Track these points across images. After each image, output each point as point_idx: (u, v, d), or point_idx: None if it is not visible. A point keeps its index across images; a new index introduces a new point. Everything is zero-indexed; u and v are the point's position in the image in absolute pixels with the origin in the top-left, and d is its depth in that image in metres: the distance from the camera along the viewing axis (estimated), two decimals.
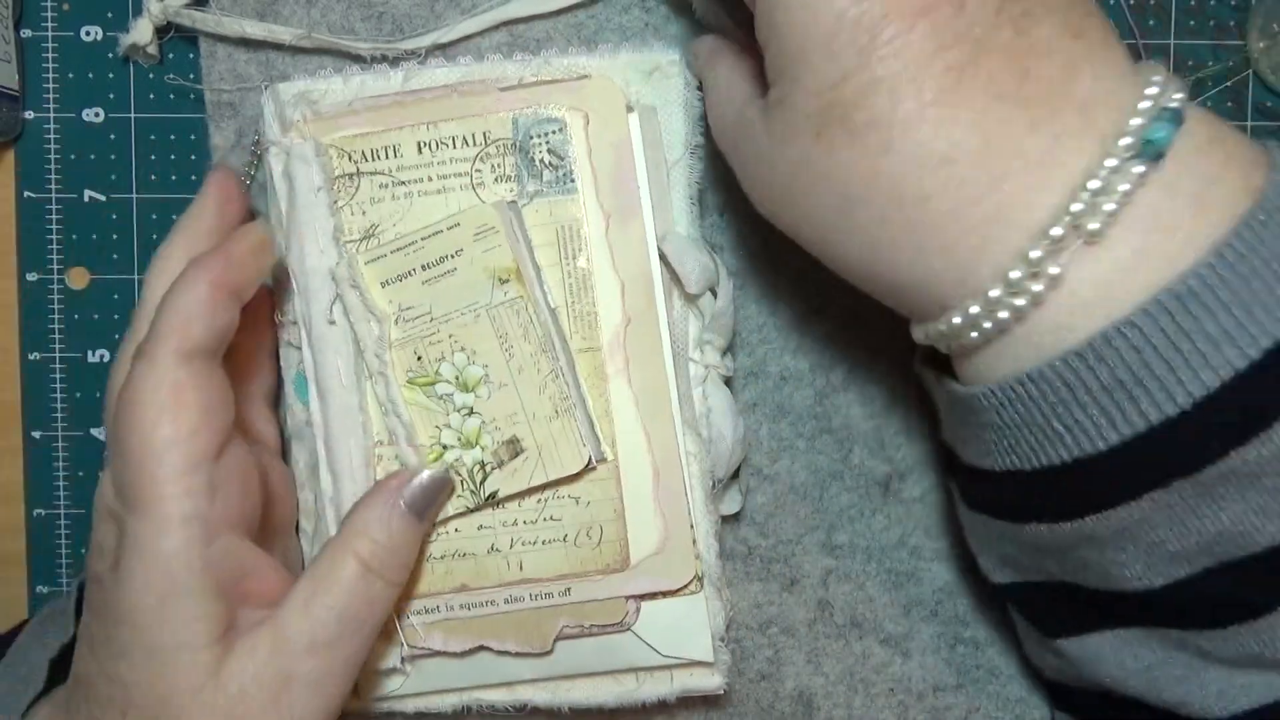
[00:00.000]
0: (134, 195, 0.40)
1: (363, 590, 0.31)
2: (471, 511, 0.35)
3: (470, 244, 0.35)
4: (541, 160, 0.35)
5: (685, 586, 0.36)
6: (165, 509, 0.29)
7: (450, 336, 0.35)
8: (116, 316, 0.40)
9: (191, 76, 0.39)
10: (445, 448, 0.35)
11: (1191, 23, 0.39)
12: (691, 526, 0.36)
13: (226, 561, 0.30)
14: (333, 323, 0.35)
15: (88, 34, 0.39)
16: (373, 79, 0.36)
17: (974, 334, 0.27)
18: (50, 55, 0.39)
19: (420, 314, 0.35)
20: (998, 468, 0.29)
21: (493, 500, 0.35)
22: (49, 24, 0.39)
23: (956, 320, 0.27)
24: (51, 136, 0.40)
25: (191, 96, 0.39)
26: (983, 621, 0.40)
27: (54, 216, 0.40)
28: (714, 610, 0.36)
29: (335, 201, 0.35)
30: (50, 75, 0.39)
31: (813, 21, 0.26)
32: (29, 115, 0.40)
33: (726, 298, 0.36)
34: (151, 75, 0.39)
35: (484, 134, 0.35)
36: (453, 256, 0.35)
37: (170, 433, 0.29)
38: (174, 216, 0.39)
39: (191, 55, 0.39)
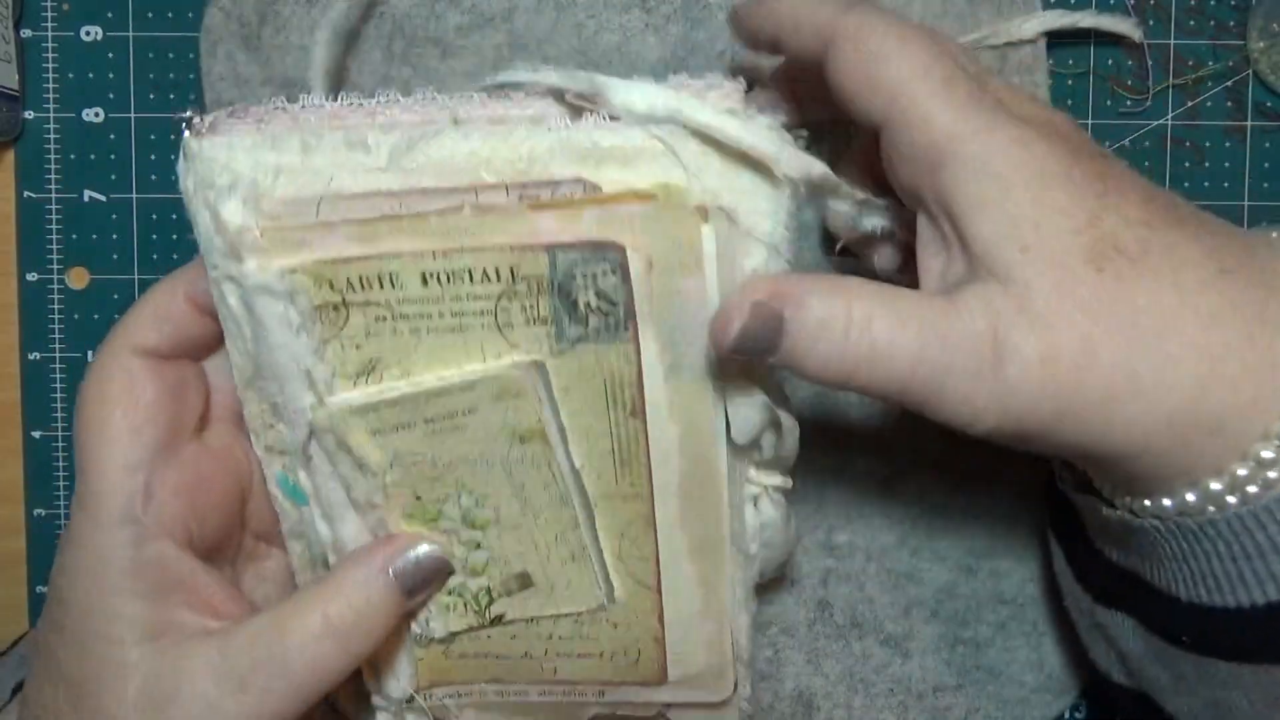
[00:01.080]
0: (134, 195, 0.40)
1: (317, 653, 0.29)
2: (479, 629, 0.33)
3: (487, 405, 0.29)
4: (587, 305, 0.28)
5: (723, 701, 0.34)
6: (101, 504, 0.29)
7: (457, 481, 0.30)
8: (116, 316, 0.39)
9: (192, 76, 0.39)
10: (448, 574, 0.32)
11: (1191, 23, 0.39)
12: (735, 643, 0.33)
13: (161, 568, 0.29)
14: (310, 458, 0.30)
15: (88, 34, 0.39)
16: (350, 151, 0.27)
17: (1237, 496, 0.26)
18: (50, 55, 0.39)
19: (419, 460, 0.30)
20: (1196, 600, 0.28)
21: (499, 622, 0.33)
22: (49, 24, 0.39)
23: (1216, 486, 0.26)
24: (51, 136, 0.40)
25: (192, 96, 0.39)
26: (983, 622, 0.40)
27: (54, 216, 0.40)
28: (741, 704, 0.35)
29: (321, 340, 0.28)
30: (50, 75, 0.39)
31: (1041, 178, 0.26)
32: (29, 115, 0.40)
33: (793, 438, 0.32)
34: (152, 75, 0.39)
35: (511, 269, 0.27)
36: (464, 414, 0.29)
37: (114, 427, 0.29)
38: (174, 216, 0.40)
39: (191, 55, 0.39)
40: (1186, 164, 0.40)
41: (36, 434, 0.40)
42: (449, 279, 0.27)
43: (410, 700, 0.34)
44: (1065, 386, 0.26)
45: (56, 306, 0.40)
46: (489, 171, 0.27)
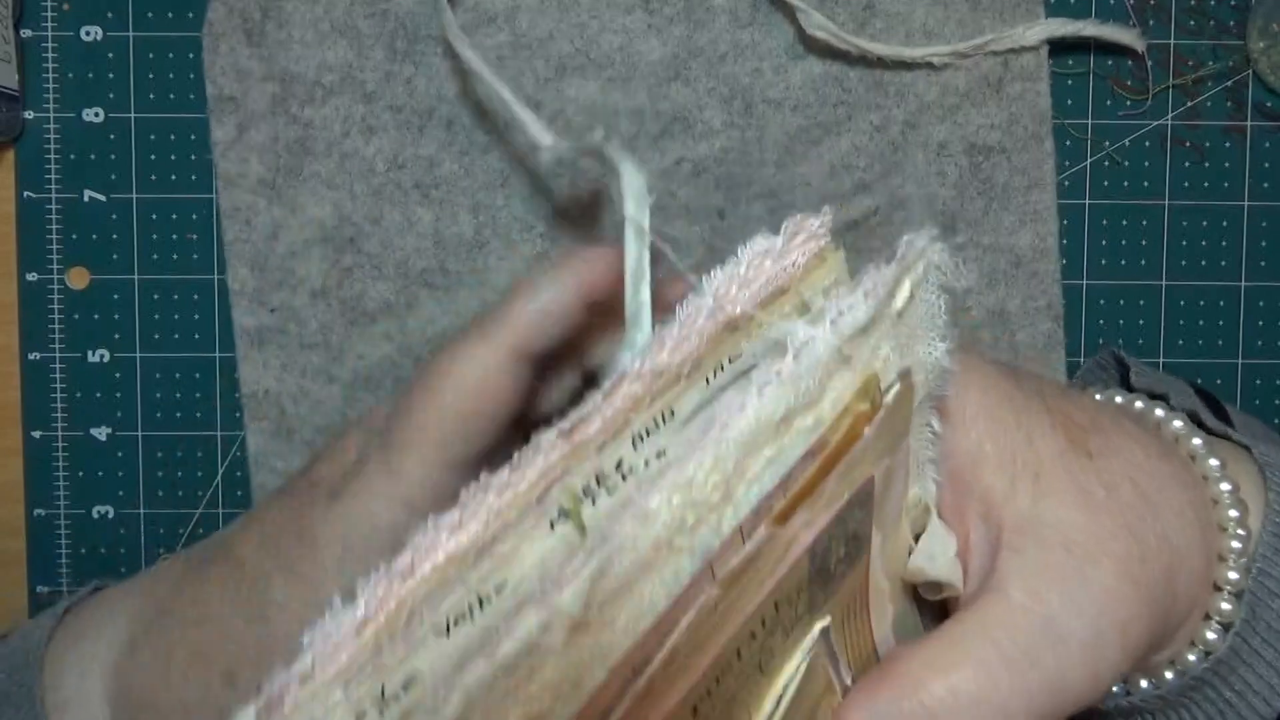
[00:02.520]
0: (134, 195, 0.40)
1: None
2: None
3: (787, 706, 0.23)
4: (838, 561, 0.23)
5: None
6: (408, 473, 0.28)
7: None
8: (116, 316, 0.40)
9: (192, 76, 0.39)
10: None
11: (1191, 23, 0.39)
12: None
13: None
14: None
15: (88, 34, 0.39)
16: (527, 664, 0.16)
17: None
18: (50, 55, 0.39)
19: None
20: None
21: None
22: (49, 24, 0.39)
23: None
24: (51, 136, 0.39)
25: (192, 96, 0.39)
26: None
27: (54, 216, 0.40)
28: None
29: None
30: (50, 75, 0.39)
31: (1008, 397, 0.27)
32: (29, 115, 0.39)
33: None
34: (152, 75, 0.39)
35: (775, 605, 0.21)
36: None
37: (466, 423, 0.28)
38: (174, 216, 0.39)
39: (191, 55, 0.39)
40: (1186, 164, 0.40)
41: (36, 434, 0.40)
42: (717, 682, 0.20)
43: None
44: (1148, 588, 0.25)
45: (56, 306, 0.40)
46: (686, 554, 0.19)
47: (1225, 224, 0.40)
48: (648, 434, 0.20)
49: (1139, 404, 0.30)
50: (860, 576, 0.24)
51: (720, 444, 0.19)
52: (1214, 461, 0.28)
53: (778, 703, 0.22)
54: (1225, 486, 0.27)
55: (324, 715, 0.15)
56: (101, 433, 0.40)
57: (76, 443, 0.40)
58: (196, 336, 0.40)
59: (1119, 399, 0.31)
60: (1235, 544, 0.27)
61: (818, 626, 0.23)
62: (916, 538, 0.27)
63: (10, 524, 0.40)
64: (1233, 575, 0.27)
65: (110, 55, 0.39)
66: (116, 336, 0.40)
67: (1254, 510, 0.27)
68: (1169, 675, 0.27)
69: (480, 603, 0.17)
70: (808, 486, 0.21)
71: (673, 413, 0.20)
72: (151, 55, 0.39)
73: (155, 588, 0.31)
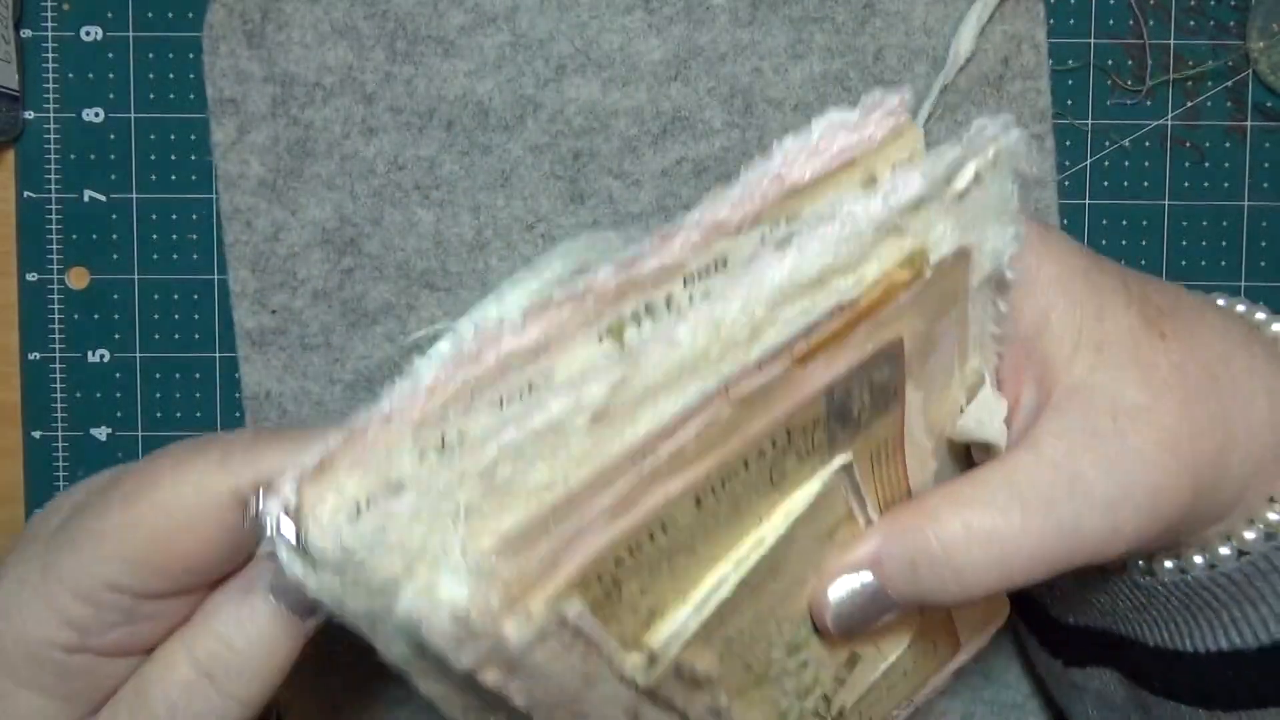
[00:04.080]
0: (134, 195, 0.40)
1: (190, 700, 0.24)
2: None
3: (801, 533, 0.25)
4: (861, 408, 0.25)
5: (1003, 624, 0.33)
6: (60, 596, 0.24)
7: (775, 622, 0.27)
8: (116, 316, 0.40)
9: (192, 76, 0.39)
10: (784, 714, 0.28)
11: (1191, 23, 0.39)
12: None
13: (92, 675, 0.25)
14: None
15: (88, 34, 0.39)
16: (549, 443, 0.20)
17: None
18: (50, 55, 0.39)
19: (743, 628, 0.26)
20: (1214, 648, 0.28)
21: (841, 715, 0.30)
22: (49, 24, 0.39)
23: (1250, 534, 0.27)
24: (51, 136, 0.39)
25: (192, 96, 0.39)
26: None
27: (54, 216, 0.40)
28: None
29: (599, 636, 0.22)
30: (50, 75, 0.39)
31: (1084, 272, 0.27)
32: (29, 115, 0.39)
33: None
34: (152, 75, 0.39)
35: (787, 432, 0.23)
36: (778, 567, 0.26)
37: (153, 553, 0.24)
38: (174, 216, 0.39)
39: (191, 55, 0.39)
40: (1186, 164, 0.40)
41: (36, 434, 0.40)
42: (723, 484, 0.23)
43: None
44: (1191, 461, 0.25)
45: (56, 306, 0.40)
46: (721, 363, 0.21)
47: (1225, 224, 0.40)
48: (699, 277, 0.22)
49: (1241, 306, 0.30)
50: (893, 427, 0.26)
51: (753, 290, 0.21)
52: None
53: (788, 516, 0.25)
54: None
55: (397, 446, 0.20)
56: (101, 433, 0.40)
57: (76, 443, 0.40)
58: (196, 337, 0.40)
59: (1221, 301, 0.30)
60: None
61: (838, 461, 0.25)
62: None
63: (10, 524, 0.40)
64: None
65: (110, 55, 0.39)
66: (116, 336, 0.40)
67: None
68: (1224, 551, 0.27)
69: (530, 388, 0.20)
70: (831, 337, 0.22)
71: (725, 262, 0.22)
72: (151, 55, 0.39)
73: None
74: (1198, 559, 0.27)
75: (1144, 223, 0.40)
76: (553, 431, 0.20)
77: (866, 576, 0.26)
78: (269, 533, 0.19)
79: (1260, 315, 0.30)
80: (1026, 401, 0.27)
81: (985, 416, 0.27)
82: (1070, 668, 0.33)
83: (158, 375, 0.40)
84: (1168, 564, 0.28)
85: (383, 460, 0.20)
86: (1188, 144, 0.40)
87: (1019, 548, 0.25)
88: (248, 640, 0.25)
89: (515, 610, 0.20)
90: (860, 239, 0.22)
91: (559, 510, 0.20)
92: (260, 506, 0.21)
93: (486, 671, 0.20)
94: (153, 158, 0.40)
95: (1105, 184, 0.40)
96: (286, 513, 0.19)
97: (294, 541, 0.19)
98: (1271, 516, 0.27)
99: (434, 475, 0.19)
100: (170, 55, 0.39)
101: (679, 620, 0.23)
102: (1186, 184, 0.40)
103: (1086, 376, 0.26)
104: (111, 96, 0.39)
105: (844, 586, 0.26)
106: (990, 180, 0.24)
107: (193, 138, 0.39)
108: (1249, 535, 0.27)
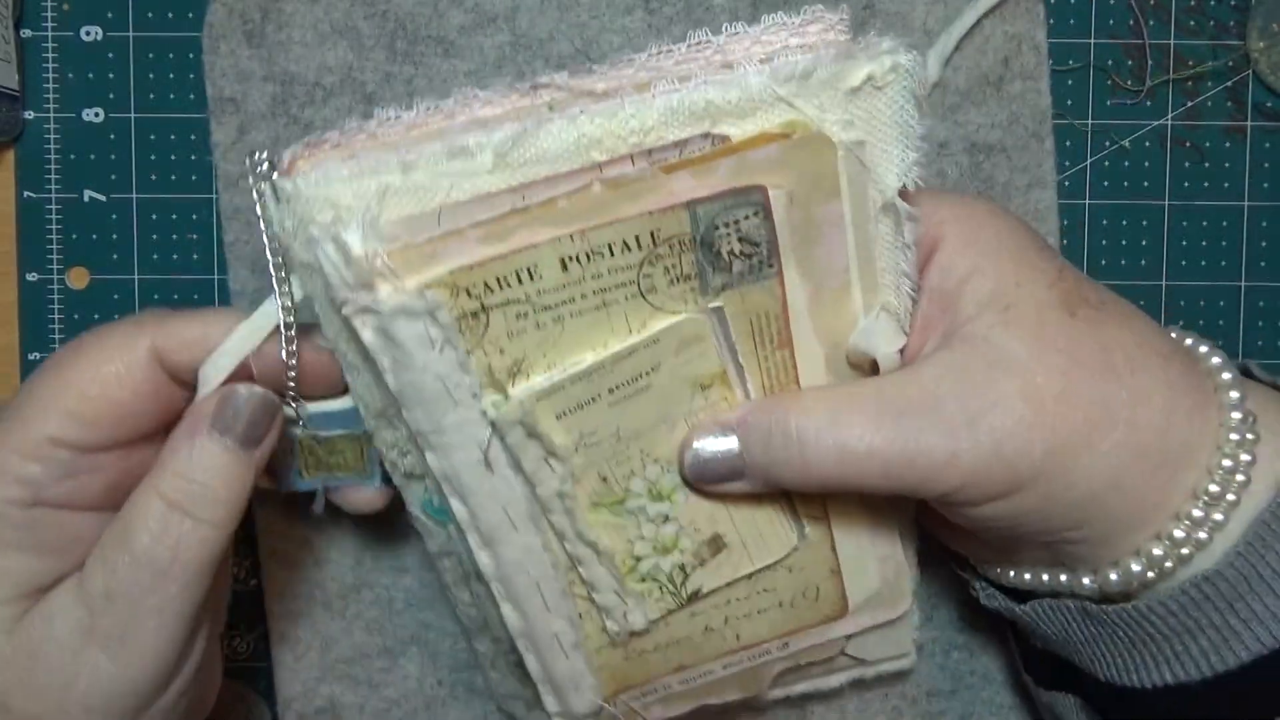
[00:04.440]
0: (134, 195, 0.40)
1: (168, 533, 0.28)
2: (675, 611, 0.32)
3: (670, 357, 0.29)
4: (730, 252, 0.28)
5: (901, 615, 0.34)
6: (8, 459, 0.28)
7: (641, 451, 0.30)
8: (116, 316, 0.40)
9: (192, 76, 0.39)
10: (639, 559, 0.31)
11: (1191, 23, 0.39)
12: (906, 558, 0.34)
13: (57, 527, 0.28)
14: (488, 466, 0.29)
15: (88, 34, 0.39)
16: (450, 159, 0.27)
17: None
18: (50, 55, 0.39)
19: (605, 436, 0.30)
20: (1159, 683, 0.29)
21: (696, 597, 0.32)
22: (49, 24, 0.39)
23: (1157, 550, 0.28)
24: (51, 136, 0.39)
25: (192, 96, 0.39)
26: (977, 628, 0.40)
27: (54, 216, 0.40)
28: (913, 612, 0.35)
29: (464, 350, 0.27)
30: (50, 75, 0.39)
31: (1018, 241, 0.29)
32: (29, 115, 0.39)
33: None
34: (152, 75, 0.39)
35: (651, 234, 0.27)
36: (648, 374, 0.29)
37: (88, 402, 0.28)
38: (174, 216, 0.40)
39: (191, 55, 0.39)
40: (1186, 164, 0.40)
41: None
42: (588, 258, 0.27)
43: (599, 712, 0.33)
44: (1051, 420, 0.27)
45: (56, 306, 0.40)
46: (600, 151, 0.27)
47: (1225, 224, 0.40)
48: (626, 99, 0.27)
49: (1189, 341, 0.31)
50: (774, 303, 0.29)
51: (647, 105, 0.27)
52: (1235, 394, 0.28)
53: (650, 331, 0.29)
54: (1236, 415, 0.28)
55: (367, 148, 0.27)
56: None
57: None
58: None
59: (1173, 334, 0.31)
60: (1227, 462, 0.27)
61: (710, 304, 0.29)
62: None
63: None
64: (1213, 488, 0.27)
65: (110, 55, 0.39)
66: None
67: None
68: (1135, 566, 0.28)
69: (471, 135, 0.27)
70: (697, 159, 0.27)
71: (654, 96, 0.27)
72: (151, 55, 0.39)
73: None
74: (1112, 575, 0.28)
75: (1144, 223, 0.40)
76: (464, 156, 0.26)
77: (732, 441, 0.29)
78: (259, 185, 0.27)
79: (1196, 346, 0.30)
80: (929, 348, 0.29)
81: (878, 336, 0.29)
82: (1039, 688, 0.34)
83: None
84: (1085, 580, 0.29)
85: (360, 154, 0.26)
86: (1188, 144, 0.40)
87: (861, 443, 0.28)
88: (205, 472, 0.28)
89: (391, 279, 0.26)
90: (747, 92, 0.27)
91: (445, 211, 0.26)
92: (260, 165, 0.27)
93: (365, 325, 0.26)
94: (153, 158, 0.40)
95: (1105, 184, 0.40)
96: (275, 168, 0.27)
97: (274, 191, 0.27)
98: (1177, 534, 0.27)
99: (374, 158, 0.26)
100: (170, 55, 0.39)
101: (539, 380, 0.28)
102: (1186, 184, 0.40)
103: (985, 331, 0.28)
104: (111, 96, 0.39)
105: (709, 439, 0.30)
106: (888, 90, 0.28)
107: (193, 138, 0.39)
108: (1156, 551, 0.28)
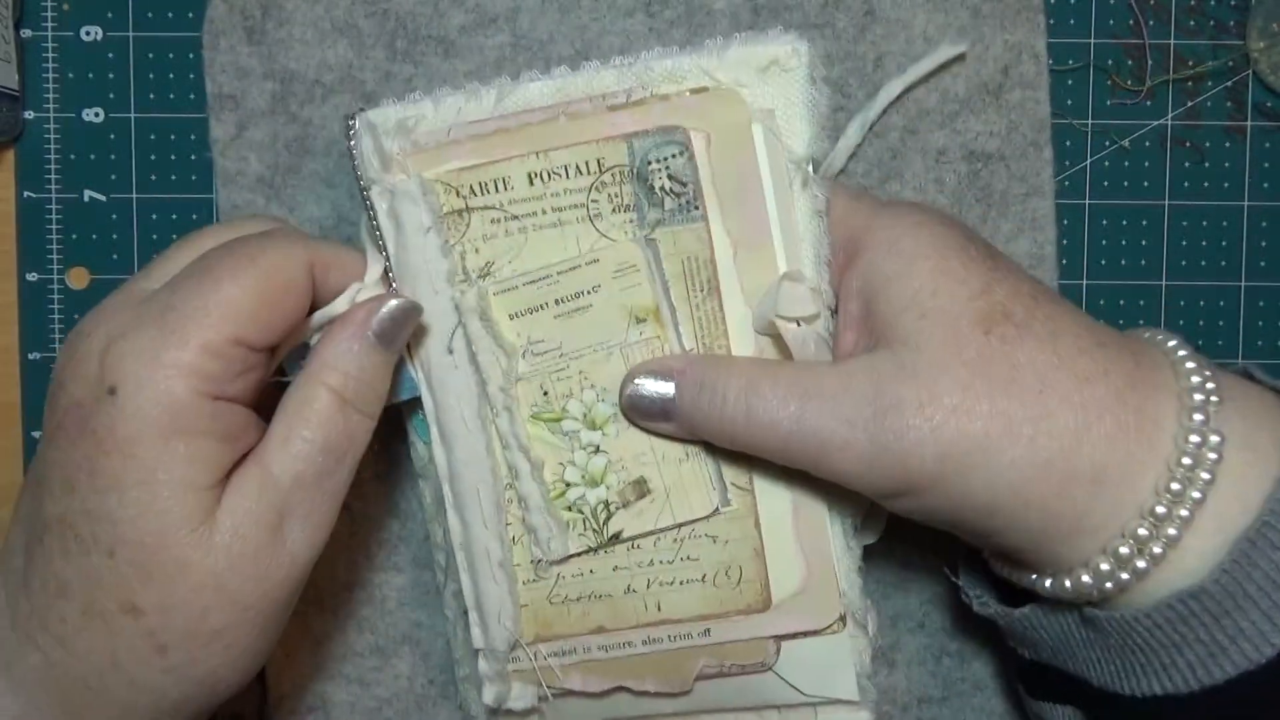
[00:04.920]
0: (134, 195, 0.40)
1: (339, 423, 0.31)
2: (594, 550, 0.35)
3: (609, 281, 0.34)
4: (662, 188, 0.33)
5: (828, 627, 0.35)
6: (198, 356, 0.29)
7: (580, 373, 0.34)
8: None
9: (192, 76, 0.39)
10: (568, 485, 0.34)
11: (1191, 23, 0.39)
12: (834, 564, 0.34)
13: (231, 417, 0.30)
14: (451, 352, 0.34)
15: (88, 34, 0.39)
16: (466, 101, 0.34)
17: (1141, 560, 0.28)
18: (50, 55, 0.39)
19: (550, 349, 0.34)
20: (1148, 692, 0.29)
21: (616, 540, 0.35)
22: (49, 24, 0.39)
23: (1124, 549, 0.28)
24: (51, 136, 0.39)
25: (192, 95, 0.39)
26: (969, 634, 0.40)
27: (54, 216, 0.40)
28: (859, 647, 0.35)
29: (447, 240, 0.34)
30: (50, 75, 0.39)
31: (941, 251, 0.31)
32: (29, 115, 0.39)
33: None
34: (151, 75, 0.39)
35: (598, 161, 0.33)
36: (589, 292, 0.34)
37: (253, 299, 0.30)
38: (174, 216, 0.40)
39: (191, 54, 0.39)
40: (1186, 164, 0.40)
41: (36, 434, 0.40)
42: (549, 176, 0.33)
43: (514, 648, 0.35)
44: (944, 430, 0.28)
45: (56, 306, 0.40)
46: (568, 97, 0.34)
47: (1225, 224, 0.40)
48: (591, 67, 0.34)
49: (1172, 342, 0.31)
50: (702, 247, 0.34)
51: (602, 71, 0.33)
52: (1198, 416, 0.28)
53: (587, 252, 0.34)
54: (1195, 438, 0.28)
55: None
56: None
57: None
58: None
59: (1145, 335, 0.32)
60: (1175, 485, 0.28)
61: (643, 235, 0.34)
62: None
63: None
64: (1160, 509, 0.28)
65: (110, 55, 0.39)
66: None
67: (1270, 455, 0.28)
68: (1104, 566, 0.28)
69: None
70: (635, 103, 0.33)
71: (614, 66, 0.34)
72: (151, 55, 0.39)
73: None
74: (1085, 578, 0.29)
75: (1144, 223, 0.40)
76: (475, 98, 0.34)
77: (669, 387, 0.33)
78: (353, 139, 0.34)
79: (1171, 344, 0.31)
80: (860, 346, 0.32)
81: (782, 300, 0.32)
82: (1029, 698, 0.34)
83: None
84: (1085, 580, 0.29)
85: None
86: (1188, 144, 0.40)
87: (766, 413, 0.31)
88: (362, 368, 0.32)
89: (404, 169, 0.34)
90: (679, 64, 0.33)
91: (454, 128, 0.34)
92: (353, 120, 0.34)
93: (382, 203, 0.34)
94: (153, 157, 0.40)
95: (1105, 184, 0.40)
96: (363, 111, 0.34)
97: (364, 126, 0.34)
98: (1122, 550, 0.28)
99: (431, 109, 0.34)
100: (170, 55, 0.39)
101: (497, 276, 0.34)
102: (1186, 184, 0.40)
103: (901, 335, 0.30)
104: (111, 96, 0.39)
105: (650, 380, 0.33)
106: (793, 74, 0.33)
107: (192, 137, 0.39)
108: (1104, 566, 0.28)
